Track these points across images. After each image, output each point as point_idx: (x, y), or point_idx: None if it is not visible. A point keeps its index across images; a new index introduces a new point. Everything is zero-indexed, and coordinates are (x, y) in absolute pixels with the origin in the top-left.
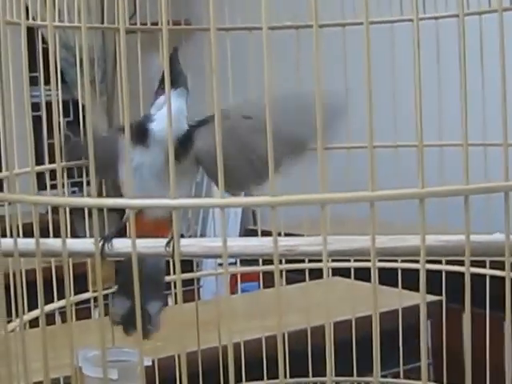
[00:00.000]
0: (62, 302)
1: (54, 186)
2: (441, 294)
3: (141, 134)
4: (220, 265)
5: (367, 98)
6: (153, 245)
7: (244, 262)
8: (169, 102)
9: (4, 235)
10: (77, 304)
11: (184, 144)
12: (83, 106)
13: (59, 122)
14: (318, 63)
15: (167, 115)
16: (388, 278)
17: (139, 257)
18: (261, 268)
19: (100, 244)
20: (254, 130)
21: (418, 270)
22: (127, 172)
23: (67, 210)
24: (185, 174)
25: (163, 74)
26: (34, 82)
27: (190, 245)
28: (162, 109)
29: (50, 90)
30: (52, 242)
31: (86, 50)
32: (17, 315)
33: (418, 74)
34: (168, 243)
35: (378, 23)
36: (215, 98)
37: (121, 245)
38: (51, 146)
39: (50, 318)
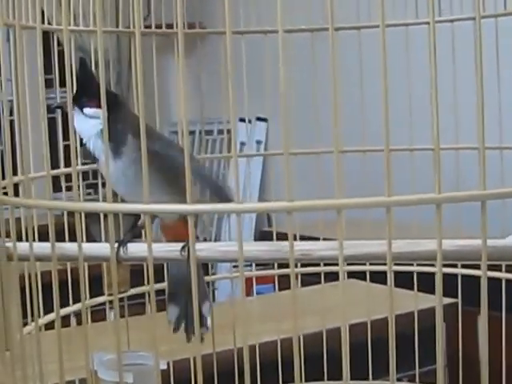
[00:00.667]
0: (77, 306)
1: (69, 188)
2: (456, 297)
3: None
4: (235, 267)
5: (383, 101)
6: (168, 249)
7: (259, 265)
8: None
9: (20, 238)
10: (92, 306)
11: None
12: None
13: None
14: (335, 66)
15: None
16: (404, 280)
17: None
18: (276, 271)
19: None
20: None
21: (433, 274)
22: (145, 176)
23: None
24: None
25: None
26: (49, 84)
27: (205, 249)
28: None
29: (65, 92)
30: (68, 247)
31: (101, 54)
32: (32, 318)
33: (434, 76)
34: (183, 248)
35: (394, 26)
36: (230, 101)
37: (135, 249)
38: (66, 148)
39: (65, 321)
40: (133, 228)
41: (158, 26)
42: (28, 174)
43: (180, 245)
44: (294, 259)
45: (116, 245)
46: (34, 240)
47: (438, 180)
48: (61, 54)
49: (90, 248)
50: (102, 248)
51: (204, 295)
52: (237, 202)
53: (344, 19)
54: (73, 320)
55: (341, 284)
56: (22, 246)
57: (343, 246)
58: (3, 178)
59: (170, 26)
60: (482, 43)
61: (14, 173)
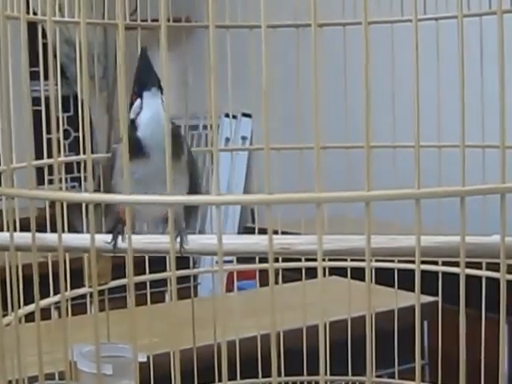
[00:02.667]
0: (57, 297)
1: (52, 181)
2: (437, 295)
3: (134, 145)
4: (217, 262)
5: (366, 97)
6: (156, 240)
7: (241, 260)
8: (168, 104)
9: (1, 230)
10: (73, 299)
11: (176, 144)
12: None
13: (57, 117)
14: (317, 61)
15: (148, 117)
16: (384, 278)
17: None
18: (257, 266)
19: (112, 239)
20: None
21: (414, 271)
22: (125, 170)
23: (65, 204)
24: (182, 171)
25: (136, 75)
26: (33, 76)
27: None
28: (140, 113)
29: (47, 85)
30: (49, 237)
31: (84, 45)
32: (12, 309)
33: (416, 74)
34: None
35: (378, 23)
36: (212, 95)
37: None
38: (50, 141)
39: (45, 313)
40: (120, 220)
41: (144, 21)
42: (10, 164)
43: (163, 237)
44: (273, 252)
45: (108, 236)
46: (14, 231)
47: (417, 175)
48: (46, 46)
49: (71, 238)
50: (83, 239)
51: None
52: (216, 194)
53: (329, 15)
54: (54, 313)
55: (319, 277)
56: (2, 236)
57: (322, 240)
58: None
59: (156, 21)
60: (465, 42)
61: None
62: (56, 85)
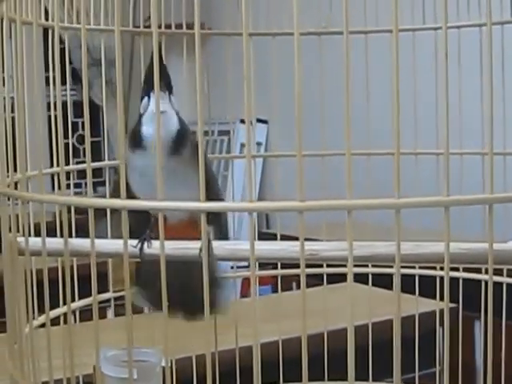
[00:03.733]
0: (82, 302)
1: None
2: (455, 301)
3: (137, 138)
4: (237, 268)
5: (395, 105)
6: (183, 246)
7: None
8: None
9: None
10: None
11: (180, 141)
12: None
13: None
14: (347, 69)
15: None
16: (403, 284)
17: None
18: (278, 272)
19: (139, 245)
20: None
21: (433, 277)
22: (159, 172)
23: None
24: (189, 171)
25: (146, 74)
26: (47, 82)
27: (216, 247)
28: (147, 110)
29: (64, 90)
30: (79, 243)
31: (119, 53)
32: (39, 314)
33: (445, 82)
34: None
35: (400, 31)
36: (246, 102)
37: (157, 245)
38: (66, 146)
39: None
40: (148, 225)
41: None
42: (41, 170)
43: (194, 243)
44: (304, 259)
45: (134, 242)
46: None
47: (446, 182)
48: (62, 51)
49: (102, 244)
50: (114, 244)
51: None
52: (248, 200)
53: (351, 23)
54: (77, 318)
55: (349, 283)
56: (33, 242)
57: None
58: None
59: (176, 27)
60: (489, 49)
61: (16, 170)
62: (72, 90)
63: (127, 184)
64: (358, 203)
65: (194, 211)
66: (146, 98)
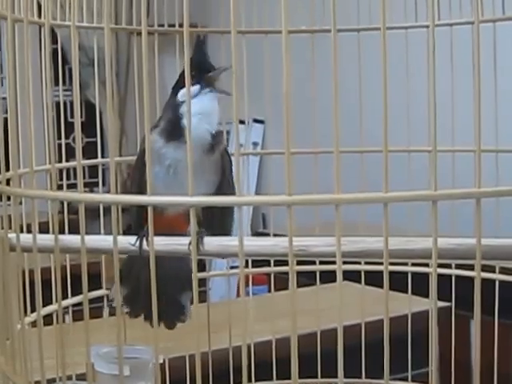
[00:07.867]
0: (75, 299)
1: (69, 186)
2: (449, 301)
3: (174, 130)
4: (232, 267)
5: (384, 102)
6: (175, 242)
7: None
8: (189, 100)
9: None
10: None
11: (216, 139)
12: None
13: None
14: (335, 66)
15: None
16: (396, 283)
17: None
18: (272, 269)
19: (138, 242)
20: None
21: (427, 275)
22: (148, 169)
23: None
24: (215, 170)
25: (193, 61)
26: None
27: (206, 243)
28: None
29: (61, 90)
30: (70, 239)
31: (108, 51)
32: (31, 311)
33: (432, 79)
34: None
35: (392, 29)
36: (234, 101)
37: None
38: (66, 145)
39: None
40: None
41: (161, 26)
42: (32, 167)
43: (183, 239)
44: (293, 253)
45: (133, 239)
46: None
47: (434, 177)
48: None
49: (93, 240)
50: (105, 240)
51: (188, 284)
52: (237, 195)
53: (344, 21)
54: (70, 316)
55: (338, 279)
56: (24, 238)
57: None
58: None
59: (170, 26)
60: (480, 47)
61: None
62: (68, 90)
63: (141, 180)
64: (345, 197)
65: (185, 206)
66: (197, 86)
